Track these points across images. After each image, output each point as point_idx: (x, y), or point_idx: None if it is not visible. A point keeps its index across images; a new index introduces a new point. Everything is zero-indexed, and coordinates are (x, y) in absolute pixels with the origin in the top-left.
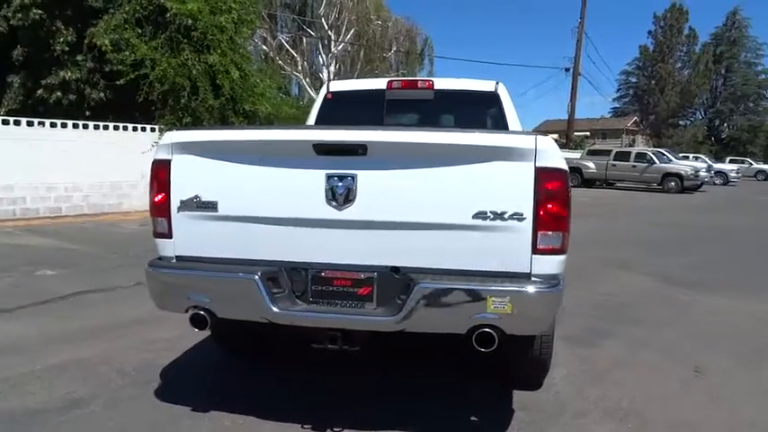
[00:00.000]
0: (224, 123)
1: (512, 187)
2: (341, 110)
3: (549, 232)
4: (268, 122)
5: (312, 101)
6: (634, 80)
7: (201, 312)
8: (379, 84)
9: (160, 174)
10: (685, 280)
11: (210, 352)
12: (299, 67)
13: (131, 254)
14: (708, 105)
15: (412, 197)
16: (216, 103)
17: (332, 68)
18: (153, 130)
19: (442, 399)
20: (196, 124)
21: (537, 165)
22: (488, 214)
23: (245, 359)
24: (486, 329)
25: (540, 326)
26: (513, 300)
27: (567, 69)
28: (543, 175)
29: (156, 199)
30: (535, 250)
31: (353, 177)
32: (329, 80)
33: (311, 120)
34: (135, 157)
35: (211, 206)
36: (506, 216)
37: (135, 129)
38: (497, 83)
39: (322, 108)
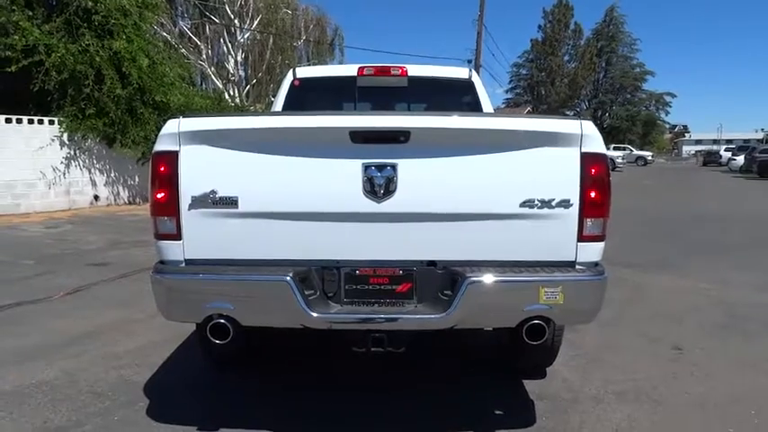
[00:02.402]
0: (132, 115)
1: (558, 173)
2: (310, 97)
3: (594, 219)
4: (180, 114)
5: (219, 91)
6: (525, 72)
7: (222, 321)
8: (350, 70)
9: (165, 167)
10: (622, 261)
11: (188, 365)
12: (204, 56)
13: (47, 259)
14: (591, 96)
15: (457, 187)
16: (124, 92)
17: (239, 57)
18: (51, 122)
19: (451, 397)
20: (101, 116)
21: (582, 150)
22: (536, 202)
23: (233, 371)
24: (537, 321)
25: (589, 315)
26: (565, 289)
27: (469, 61)
28: (589, 161)
29: (160, 196)
30: (581, 237)
31: (394, 167)
32: (294, 68)
33: (277, 105)
34: (32, 152)
35: (231, 202)
36: (554, 203)
37: (31, 121)
38: (471, 69)
39: (289, 95)
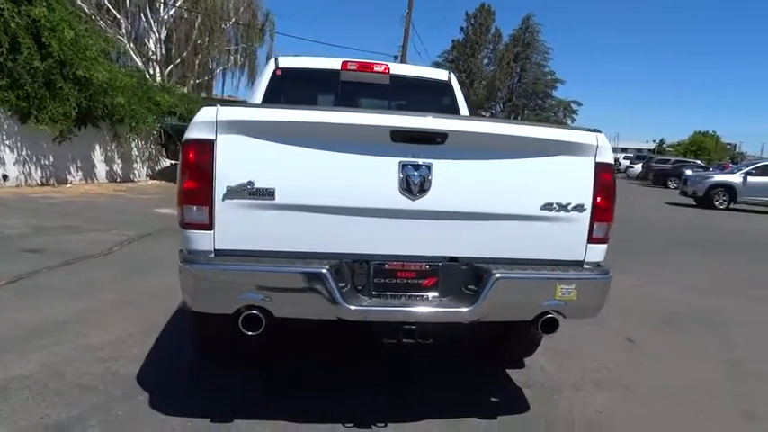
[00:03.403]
0: (50, 89)
1: (575, 180)
2: (292, 88)
3: (602, 223)
4: (103, 92)
5: (140, 70)
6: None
7: (255, 312)
8: (333, 63)
9: (199, 155)
10: None
11: (177, 357)
12: (123, 31)
13: None
14: (506, 99)
15: (485, 188)
16: (42, 65)
17: (162, 35)
18: None
19: (451, 387)
20: (14, 88)
21: (597, 160)
22: (554, 206)
23: (221, 360)
24: (552, 315)
25: (595, 311)
26: (578, 287)
27: (396, 57)
28: (601, 170)
29: (192, 184)
30: (590, 239)
31: (429, 166)
32: (276, 57)
33: (257, 97)
34: None
35: (267, 194)
36: (570, 208)
37: None
38: (449, 72)
39: (271, 85)
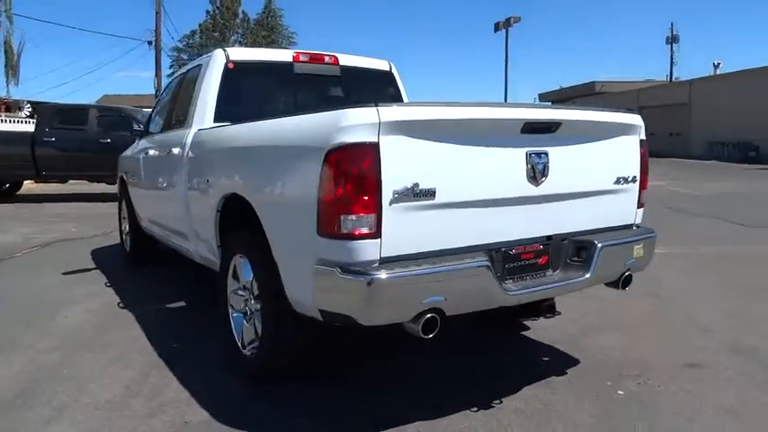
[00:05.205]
0: None
1: (630, 156)
2: (248, 83)
3: (644, 190)
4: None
5: None
6: (186, 57)
7: (433, 315)
8: (284, 55)
9: (362, 160)
10: None
11: (224, 386)
12: None
13: None
14: None
15: (582, 169)
16: None
17: None
18: None
19: (495, 363)
20: None
21: (640, 137)
22: (620, 179)
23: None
24: (629, 273)
25: (647, 264)
26: (644, 245)
27: (149, 42)
28: (643, 145)
29: (354, 192)
30: (638, 205)
31: (546, 154)
32: (223, 48)
33: (211, 93)
34: None
35: (430, 194)
36: (629, 179)
37: None
38: (390, 62)
39: (224, 79)
